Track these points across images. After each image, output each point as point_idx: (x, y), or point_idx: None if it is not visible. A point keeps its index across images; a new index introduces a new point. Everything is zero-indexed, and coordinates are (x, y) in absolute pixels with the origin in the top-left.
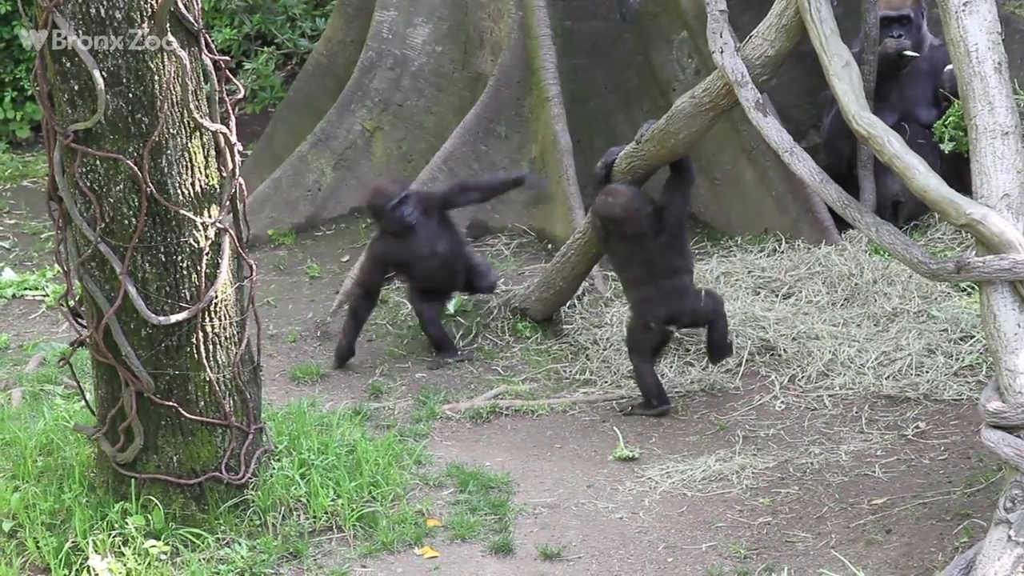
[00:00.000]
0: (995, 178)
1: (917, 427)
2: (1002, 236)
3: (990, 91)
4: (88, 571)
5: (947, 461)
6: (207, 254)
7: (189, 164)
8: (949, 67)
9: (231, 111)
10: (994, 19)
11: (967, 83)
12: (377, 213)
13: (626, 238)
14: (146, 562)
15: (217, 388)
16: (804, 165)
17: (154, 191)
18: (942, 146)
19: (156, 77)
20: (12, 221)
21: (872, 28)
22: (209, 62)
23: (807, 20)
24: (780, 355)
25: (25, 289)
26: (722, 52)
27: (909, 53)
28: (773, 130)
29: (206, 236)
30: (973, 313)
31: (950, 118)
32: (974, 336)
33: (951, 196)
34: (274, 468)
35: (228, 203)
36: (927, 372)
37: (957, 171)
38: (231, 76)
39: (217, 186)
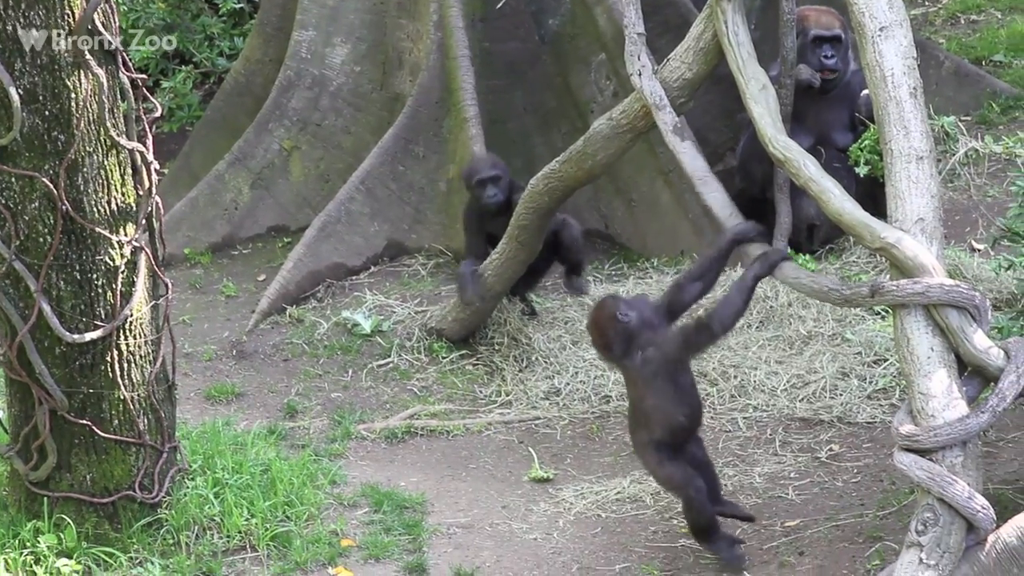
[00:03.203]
0: (910, 202)
1: (831, 449)
2: (916, 260)
3: (905, 116)
4: None
5: (860, 484)
6: (123, 272)
7: (105, 182)
8: (865, 92)
9: (148, 129)
10: (910, 44)
11: (883, 108)
12: (466, 184)
13: None
14: None
15: (131, 407)
16: (716, 196)
17: (70, 209)
18: (857, 170)
19: (73, 95)
20: None
21: (790, 52)
22: (126, 80)
23: (724, 43)
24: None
25: None
26: (640, 75)
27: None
28: (688, 156)
29: (122, 254)
30: (887, 336)
31: (865, 142)
32: (887, 359)
33: (866, 220)
34: (188, 487)
35: (144, 221)
36: (841, 395)
37: (872, 195)
38: (148, 94)
39: (133, 204)
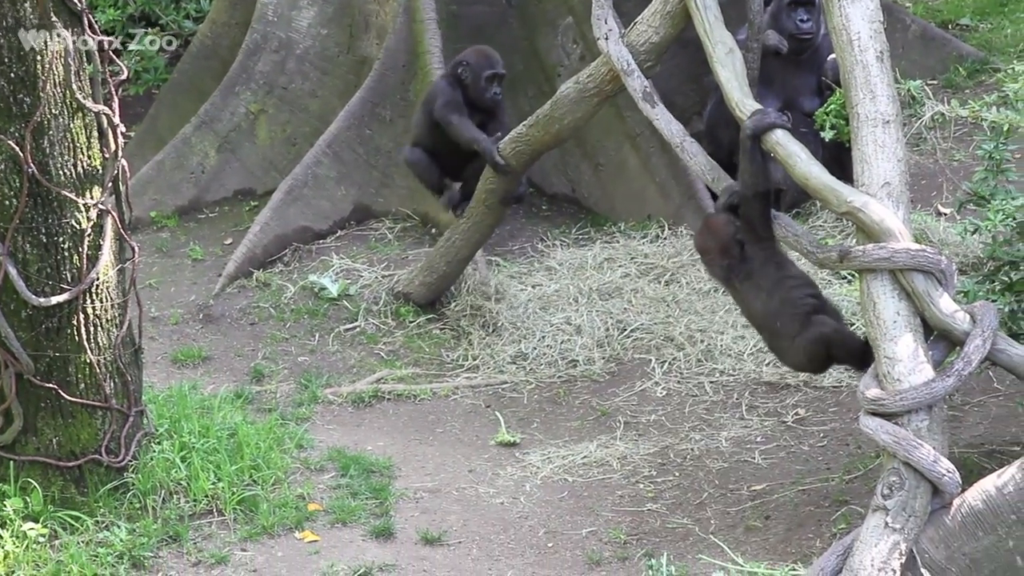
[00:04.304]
0: (876, 166)
1: (796, 414)
2: (882, 224)
3: (872, 80)
4: None
5: (826, 448)
6: (89, 236)
7: (71, 145)
8: (832, 56)
9: (114, 92)
10: (876, 8)
11: (849, 71)
12: (468, 73)
13: None
14: (24, 544)
15: (98, 370)
16: (698, 159)
17: (36, 172)
18: (823, 134)
19: (39, 57)
20: None
21: (756, 16)
22: (93, 43)
23: (691, 7)
24: (662, 341)
25: None
26: (607, 39)
27: (783, 51)
28: (664, 121)
29: (88, 217)
30: (853, 301)
31: (831, 106)
32: (854, 324)
33: (832, 184)
34: (155, 451)
35: (110, 185)
36: None
37: (839, 159)
38: (114, 57)
39: (100, 167)
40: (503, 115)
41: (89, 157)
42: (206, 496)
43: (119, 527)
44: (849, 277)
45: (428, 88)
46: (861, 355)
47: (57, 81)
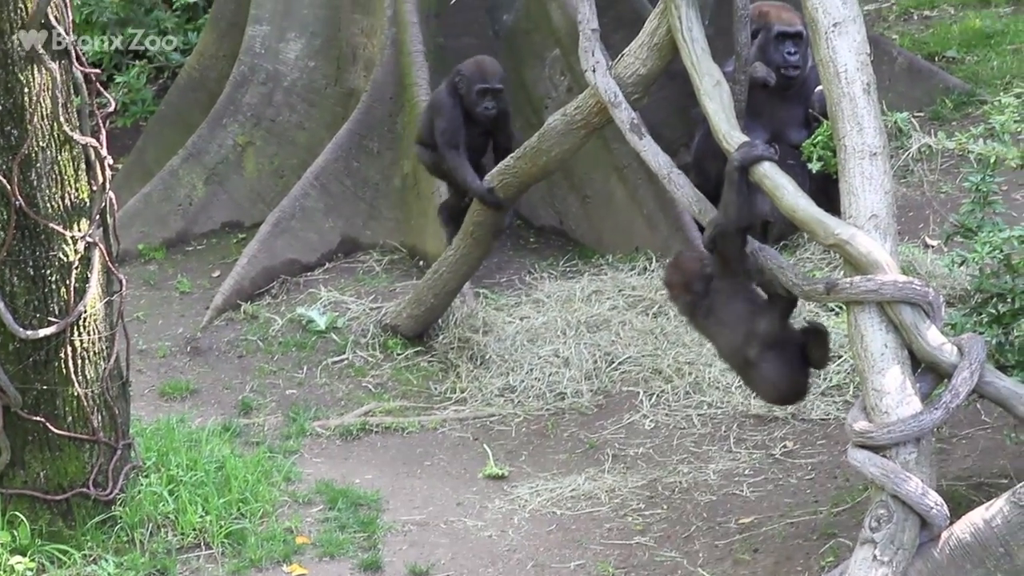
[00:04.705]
0: (863, 198)
1: (785, 446)
2: (869, 256)
3: (859, 112)
4: None
5: (814, 480)
6: (76, 268)
7: (59, 177)
8: (819, 88)
9: (102, 124)
10: (863, 40)
11: (836, 104)
12: (463, 85)
13: None
14: None
15: (85, 403)
16: (685, 191)
17: (23, 204)
18: (810, 165)
19: (26, 89)
20: None
21: (744, 48)
22: (80, 75)
23: (679, 39)
24: (650, 373)
25: None
26: (594, 71)
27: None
28: (651, 153)
29: (75, 250)
30: (841, 333)
31: (818, 138)
32: (842, 356)
33: (820, 216)
34: (142, 484)
35: (98, 217)
36: None
37: (826, 191)
38: (102, 89)
39: (87, 200)
40: (508, 126)
41: (76, 190)
42: (194, 529)
43: (107, 561)
44: (837, 309)
45: (433, 96)
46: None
47: (44, 113)
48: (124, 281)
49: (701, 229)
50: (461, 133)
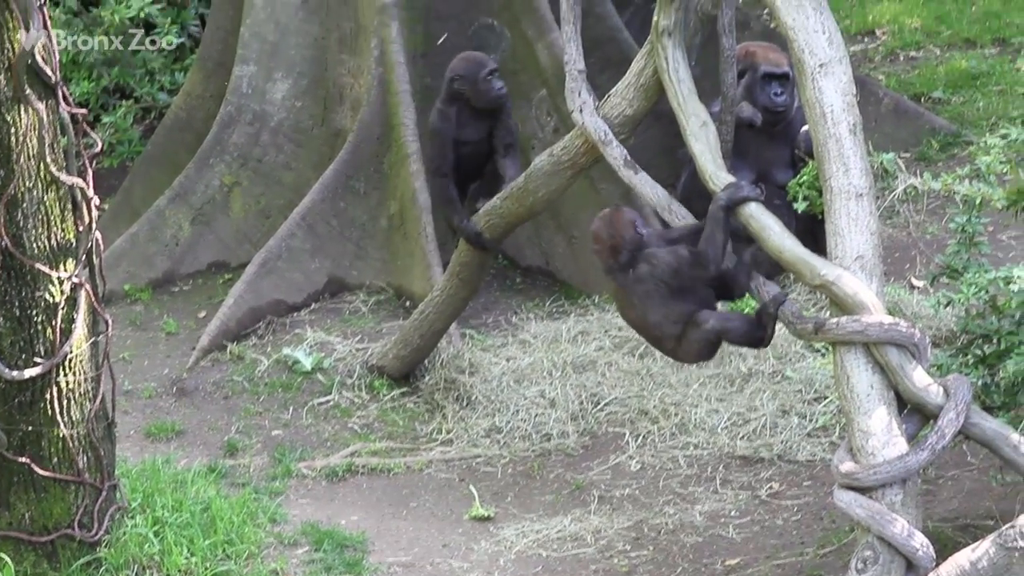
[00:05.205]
0: (849, 239)
1: (771, 488)
2: (856, 297)
3: (845, 152)
4: None
5: (800, 522)
6: (62, 309)
7: (45, 218)
8: (805, 128)
9: (88, 165)
10: (849, 81)
11: (822, 144)
12: (466, 81)
13: None
14: None
15: (71, 444)
16: (686, 222)
17: (9, 244)
18: (796, 205)
19: (12, 129)
20: None
21: (730, 88)
22: (67, 115)
23: (665, 80)
24: (636, 414)
25: None
26: (581, 111)
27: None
28: (648, 187)
29: (62, 291)
30: (827, 374)
31: (804, 178)
32: (828, 397)
33: (806, 257)
34: (128, 526)
35: (84, 257)
36: (781, 433)
37: (812, 231)
38: (88, 129)
39: (73, 240)
40: (508, 117)
41: (63, 230)
42: (179, 571)
43: None
44: (822, 350)
45: (429, 120)
46: (753, 339)
47: (31, 154)
48: (110, 322)
49: None
50: (450, 160)
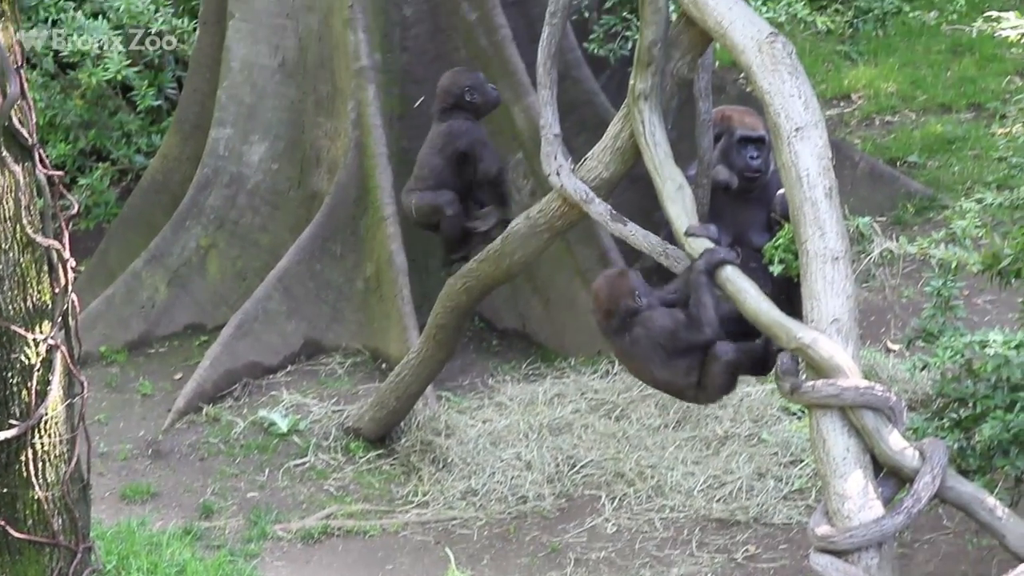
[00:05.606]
0: (825, 303)
1: (747, 551)
2: (831, 361)
3: (821, 216)
4: None
5: None
6: (38, 371)
7: (21, 280)
8: (781, 191)
9: (65, 226)
10: (825, 145)
11: (798, 208)
12: (480, 90)
13: None
14: None
15: (46, 506)
16: (682, 264)
17: None
18: (771, 268)
19: None
20: None
21: (706, 152)
22: (43, 177)
23: (641, 143)
24: (612, 477)
25: None
26: (559, 174)
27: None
28: (640, 236)
29: (37, 352)
30: (803, 437)
31: (780, 241)
32: (804, 460)
33: (782, 320)
34: None
35: (60, 319)
36: (757, 496)
37: (788, 295)
38: (65, 191)
39: (49, 302)
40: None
41: (39, 292)
42: None
43: None
44: (799, 413)
45: (464, 133)
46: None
47: (7, 216)
48: (86, 383)
49: None
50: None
